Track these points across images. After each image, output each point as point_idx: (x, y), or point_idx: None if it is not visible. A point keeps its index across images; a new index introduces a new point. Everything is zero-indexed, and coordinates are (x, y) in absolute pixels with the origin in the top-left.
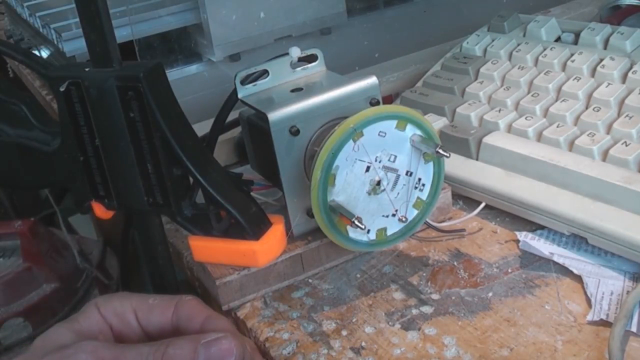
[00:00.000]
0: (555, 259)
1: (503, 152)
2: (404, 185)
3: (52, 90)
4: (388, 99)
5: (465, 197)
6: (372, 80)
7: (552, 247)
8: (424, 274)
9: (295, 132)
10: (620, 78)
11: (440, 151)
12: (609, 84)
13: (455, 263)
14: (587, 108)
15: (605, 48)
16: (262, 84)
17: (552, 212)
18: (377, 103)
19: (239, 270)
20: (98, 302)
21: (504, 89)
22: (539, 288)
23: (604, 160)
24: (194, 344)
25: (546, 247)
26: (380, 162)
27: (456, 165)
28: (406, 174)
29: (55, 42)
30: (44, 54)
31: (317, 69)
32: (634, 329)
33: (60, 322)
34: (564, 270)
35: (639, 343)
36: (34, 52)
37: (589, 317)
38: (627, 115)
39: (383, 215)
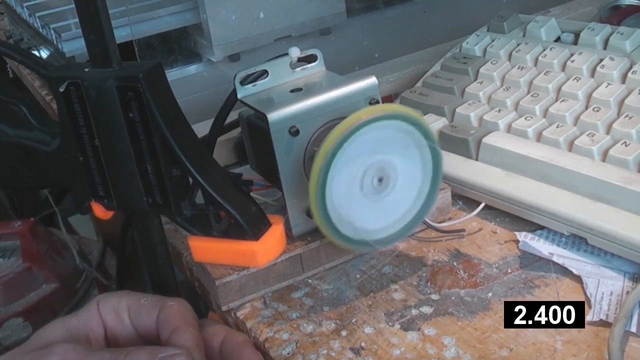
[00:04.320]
0: (555, 259)
1: (503, 152)
2: (403, 184)
3: (51, 90)
4: (388, 99)
5: (464, 197)
6: (372, 80)
7: (552, 248)
8: (424, 274)
9: (294, 132)
10: (620, 78)
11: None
12: (609, 84)
13: (455, 263)
14: (586, 108)
15: (605, 48)
16: (262, 84)
17: (552, 212)
18: (377, 103)
19: (238, 270)
20: (99, 299)
21: (504, 89)
22: (538, 288)
23: (603, 160)
24: (151, 357)
25: (546, 247)
26: (379, 162)
27: (456, 165)
28: (405, 174)
29: (55, 43)
30: (44, 54)
31: (316, 69)
32: (633, 329)
33: (63, 316)
34: (564, 271)
35: (638, 343)
36: (33, 52)
37: (589, 318)
38: (626, 116)
39: (382, 215)
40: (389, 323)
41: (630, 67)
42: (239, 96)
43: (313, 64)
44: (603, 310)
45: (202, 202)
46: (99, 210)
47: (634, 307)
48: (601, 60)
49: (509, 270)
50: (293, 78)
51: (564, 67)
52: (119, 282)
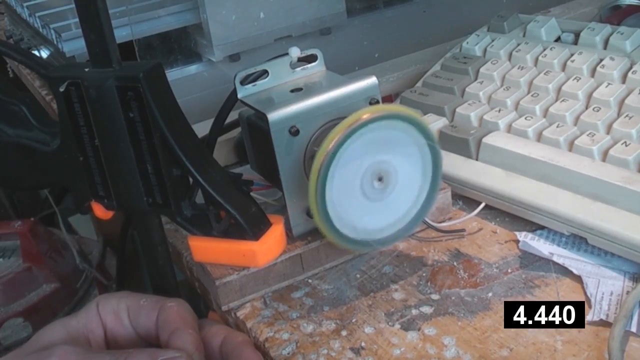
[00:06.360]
0: (555, 259)
1: (503, 152)
2: (403, 184)
3: (51, 90)
4: (388, 99)
5: (465, 197)
6: (372, 80)
7: (552, 247)
8: (424, 274)
9: (294, 132)
10: (620, 78)
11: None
12: (609, 84)
13: (455, 263)
14: (587, 108)
15: (605, 48)
16: (262, 84)
17: (552, 212)
18: (377, 103)
19: (238, 270)
20: (99, 300)
21: (504, 89)
22: (538, 288)
23: (603, 160)
24: (150, 359)
25: (546, 247)
26: (378, 162)
27: (456, 165)
28: (404, 174)
29: (55, 42)
30: (44, 54)
31: (316, 69)
32: (633, 329)
33: (63, 317)
34: (564, 271)
35: (638, 343)
36: (33, 52)
37: (589, 317)
38: (627, 115)
39: (382, 215)
40: (389, 323)
41: (631, 67)
42: (239, 96)
43: (313, 64)
44: (603, 310)
45: (202, 202)
46: (99, 210)
47: (634, 307)
48: (601, 60)
49: (509, 270)
50: (293, 78)
51: (564, 67)
52: (119, 282)
